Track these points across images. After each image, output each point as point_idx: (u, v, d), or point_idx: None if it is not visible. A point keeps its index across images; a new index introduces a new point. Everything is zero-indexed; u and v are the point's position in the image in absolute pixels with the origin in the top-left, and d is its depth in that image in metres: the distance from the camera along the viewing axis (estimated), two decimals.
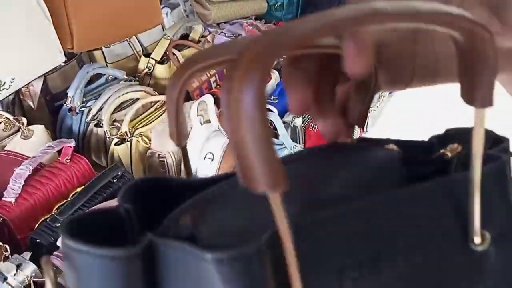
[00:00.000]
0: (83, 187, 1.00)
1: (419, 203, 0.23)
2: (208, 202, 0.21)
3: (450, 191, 0.23)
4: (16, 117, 1.04)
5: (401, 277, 0.23)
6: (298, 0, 1.71)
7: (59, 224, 0.93)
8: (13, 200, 0.95)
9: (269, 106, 1.17)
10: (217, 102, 1.15)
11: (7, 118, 1.03)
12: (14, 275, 0.80)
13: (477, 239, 0.23)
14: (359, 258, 0.22)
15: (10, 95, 0.81)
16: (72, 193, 1.01)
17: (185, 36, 1.55)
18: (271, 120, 1.14)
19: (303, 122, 1.18)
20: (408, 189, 0.23)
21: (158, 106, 1.22)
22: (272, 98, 1.21)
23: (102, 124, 1.15)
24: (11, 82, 0.72)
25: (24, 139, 1.02)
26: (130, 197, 0.24)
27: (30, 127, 1.05)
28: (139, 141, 1.15)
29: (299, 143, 1.11)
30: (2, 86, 0.70)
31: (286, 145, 1.06)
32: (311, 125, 1.18)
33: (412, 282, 0.23)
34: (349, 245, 0.22)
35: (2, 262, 0.85)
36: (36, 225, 0.95)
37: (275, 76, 1.27)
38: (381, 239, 0.23)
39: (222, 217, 0.21)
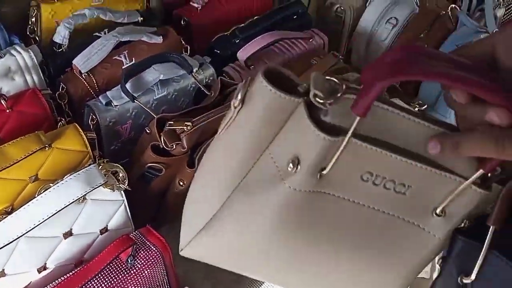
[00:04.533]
0: (264, 14, 0.98)
1: None
2: None
3: None
4: None
5: None
6: None
7: (238, 40, 0.93)
8: (199, 7, 0.96)
9: None
10: None
11: None
12: (196, 72, 0.83)
13: None
14: None
15: None
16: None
17: None
18: None
19: (504, 14, 1.06)
20: None
21: None
22: None
23: None
24: None
25: None
26: None
27: None
28: None
29: None
30: None
31: (488, 29, 0.95)
32: None
33: None
34: None
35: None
36: (215, 38, 0.96)
37: None
38: None
39: None
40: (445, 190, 0.40)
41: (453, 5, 0.99)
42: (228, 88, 0.78)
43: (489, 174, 0.40)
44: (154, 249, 0.63)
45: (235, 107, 0.40)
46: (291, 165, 0.38)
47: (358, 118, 0.35)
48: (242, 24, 0.96)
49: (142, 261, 0.62)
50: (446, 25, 0.99)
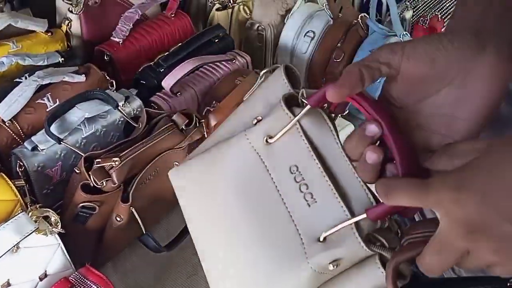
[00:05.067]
0: (186, 40, 1.00)
1: None
2: None
3: None
4: None
5: None
6: None
7: (162, 69, 0.95)
8: (120, 41, 0.97)
9: None
10: None
11: None
12: (122, 105, 0.84)
13: None
14: None
15: None
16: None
17: None
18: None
19: (413, 16, 1.13)
20: None
21: None
22: None
23: None
24: None
25: None
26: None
27: None
28: (240, 10, 1.14)
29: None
30: None
31: (396, 32, 1.02)
32: (421, 20, 1.13)
33: None
34: None
35: None
36: (140, 70, 0.97)
37: None
38: None
39: None
40: (336, 221, 0.40)
41: (363, 14, 1.05)
42: (155, 118, 0.79)
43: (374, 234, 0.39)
44: (95, 287, 0.63)
45: (260, 77, 0.47)
46: (254, 120, 0.45)
47: (308, 106, 0.41)
48: (166, 53, 0.99)
49: None
50: (359, 33, 1.05)
